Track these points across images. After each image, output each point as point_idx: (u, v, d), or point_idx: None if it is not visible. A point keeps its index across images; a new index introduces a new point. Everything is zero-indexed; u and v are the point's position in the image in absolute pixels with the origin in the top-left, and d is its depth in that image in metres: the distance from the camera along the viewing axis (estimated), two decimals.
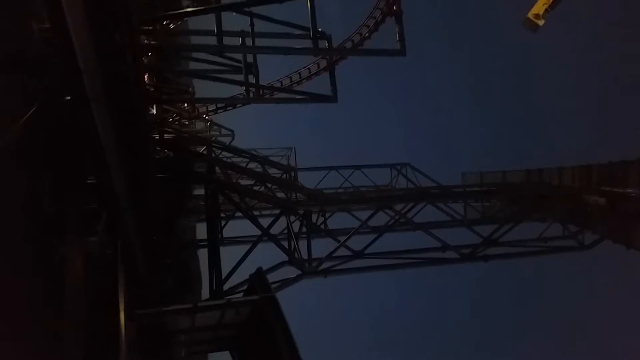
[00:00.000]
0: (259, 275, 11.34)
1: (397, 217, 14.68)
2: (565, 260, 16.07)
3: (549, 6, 21.78)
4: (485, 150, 72.51)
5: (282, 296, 11.50)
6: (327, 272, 13.67)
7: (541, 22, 22.08)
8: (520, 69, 74.04)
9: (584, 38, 61.50)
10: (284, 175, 22.34)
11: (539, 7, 22.30)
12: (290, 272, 13.49)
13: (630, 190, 13.49)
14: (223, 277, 12.73)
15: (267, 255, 13.91)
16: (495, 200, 19.53)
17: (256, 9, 15.44)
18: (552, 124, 74.01)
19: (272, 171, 21.74)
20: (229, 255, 15.21)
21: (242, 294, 12.02)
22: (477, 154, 71.65)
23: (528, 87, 75.58)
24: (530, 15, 22.87)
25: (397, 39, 15.37)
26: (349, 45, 17.41)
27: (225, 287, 12.63)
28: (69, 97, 7.02)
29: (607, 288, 52.67)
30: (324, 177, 24.58)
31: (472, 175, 24.17)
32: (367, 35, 16.81)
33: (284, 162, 28.39)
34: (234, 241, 19.21)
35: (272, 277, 12.75)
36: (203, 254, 15.51)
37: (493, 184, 20.48)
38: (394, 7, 15.62)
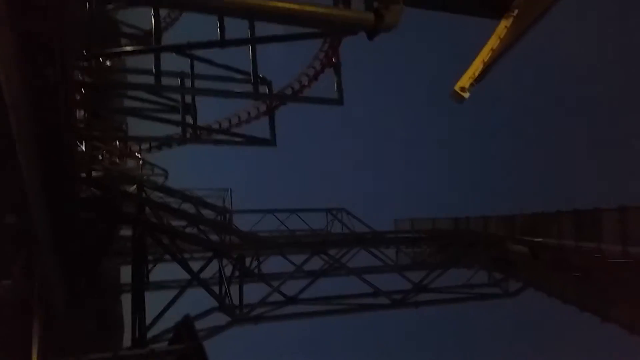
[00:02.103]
0: (186, 323, 10.88)
1: (331, 262, 14.72)
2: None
3: (475, 80, 23.08)
4: (416, 198, 74.93)
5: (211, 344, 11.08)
6: (258, 319, 13.34)
7: (467, 95, 23.35)
8: (452, 120, 78.27)
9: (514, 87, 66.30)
10: (219, 217, 21.93)
11: (465, 81, 23.58)
12: (221, 319, 13.05)
13: (550, 240, 14.32)
14: (147, 323, 12.09)
15: (196, 301, 13.38)
16: (425, 247, 20.09)
17: (197, 52, 15.47)
18: (480, 173, 77.93)
19: (206, 213, 21.27)
20: (155, 301, 14.50)
21: (167, 342, 11.45)
22: (408, 201, 73.87)
23: (457, 139, 79.75)
24: (456, 88, 24.19)
25: (336, 88, 15.96)
26: (289, 91, 17.76)
27: (149, 334, 11.95)
28: None
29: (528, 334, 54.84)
30: (259, 220, 24.34)
31: (404, 221, 24.85)
32: (306, 83, 17.27)
33: (219, 203, 27.91)
34: (161, 286, 18.38)
35: (201, 324, 12.27)
36: (127, 299, 14.67)
37: (424, 231, 21.09)
38: (333, 59, 16.29)
